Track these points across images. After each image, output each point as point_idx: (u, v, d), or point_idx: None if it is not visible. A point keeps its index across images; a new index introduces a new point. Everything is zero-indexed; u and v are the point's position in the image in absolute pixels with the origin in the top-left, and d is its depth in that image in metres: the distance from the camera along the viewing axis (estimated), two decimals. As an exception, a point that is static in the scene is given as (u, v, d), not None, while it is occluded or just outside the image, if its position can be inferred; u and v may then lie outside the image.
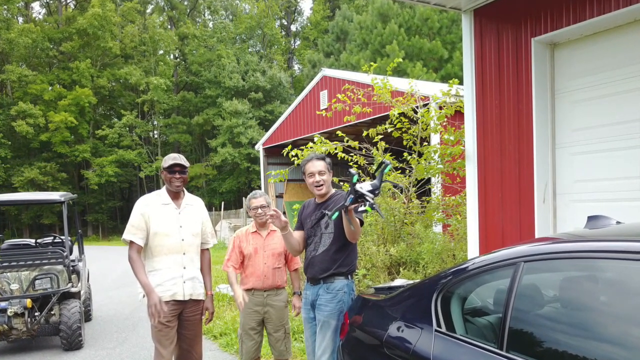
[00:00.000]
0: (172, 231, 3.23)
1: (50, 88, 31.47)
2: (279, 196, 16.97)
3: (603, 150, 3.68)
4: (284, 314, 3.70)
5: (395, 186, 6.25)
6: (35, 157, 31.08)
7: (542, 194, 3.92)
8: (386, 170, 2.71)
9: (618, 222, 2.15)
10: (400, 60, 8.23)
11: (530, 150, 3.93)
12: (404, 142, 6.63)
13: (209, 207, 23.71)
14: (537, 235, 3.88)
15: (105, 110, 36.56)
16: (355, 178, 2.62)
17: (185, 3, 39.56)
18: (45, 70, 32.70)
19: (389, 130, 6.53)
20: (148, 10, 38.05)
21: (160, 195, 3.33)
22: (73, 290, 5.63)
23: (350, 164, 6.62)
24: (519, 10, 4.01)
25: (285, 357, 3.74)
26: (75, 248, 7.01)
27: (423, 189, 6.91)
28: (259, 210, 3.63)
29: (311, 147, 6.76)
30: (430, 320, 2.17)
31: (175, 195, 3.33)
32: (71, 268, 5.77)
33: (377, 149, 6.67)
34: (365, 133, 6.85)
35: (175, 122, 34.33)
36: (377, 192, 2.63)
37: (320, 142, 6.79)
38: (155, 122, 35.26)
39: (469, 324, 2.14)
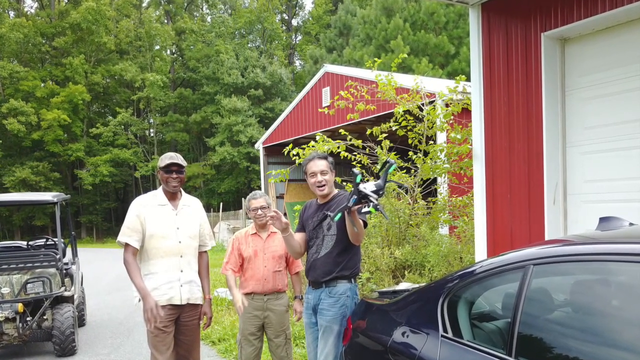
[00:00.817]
0: (168, 233, 3.18)
1: (42, 85, 31.27)
2: (280, 197, 16.87)
3: (615, 149, 3.63)
4: (284, 319, 3.64)
5: (400, 186, 6.19)
6: (27, 156, 30.86)
7: (553, 194, 3.85)
8: (390, 170, 2.65)
9: (631, 224, 2.11)
10: (405, 55, 8.11)
11: (540, 149, 3.89)
12: (409, 141, 6.58)
13: (207, 208, 23.62)
14: (547, 238, 3.83)
15: (100, 108, 36.42)
16: (358, 178, 2.57)
17: (183, -3, 39.37)
18: (37, 67, 32.45)
19: (394, 128, 6.46)
20: (144, 4, 37.78)
21: (157, 196, 3.27)
22: (66, 294, 5.57)
23: (354, 163, 6.56)
24: (528, 4, 3.97)
25: (286, 364, 3.66)
26: (69, 250, 6.94)
27: (429, 189, 6.87)
28: (259, 212, 3.57)
29: (313, 146, 6.68)
30: (436, 325, 2.15)
31: (172, 196, 3.28)
32: (64, 271, 5.70)
33: (382, 148, 6.60)
34: (369, 131, 6.78)
35: (172, 119, 34.19)
36: (381, 192, 2.58)
37: (323, 141, 6.72)
38: (152, 120, 35.13)
39: (476, 329, 2.11)
